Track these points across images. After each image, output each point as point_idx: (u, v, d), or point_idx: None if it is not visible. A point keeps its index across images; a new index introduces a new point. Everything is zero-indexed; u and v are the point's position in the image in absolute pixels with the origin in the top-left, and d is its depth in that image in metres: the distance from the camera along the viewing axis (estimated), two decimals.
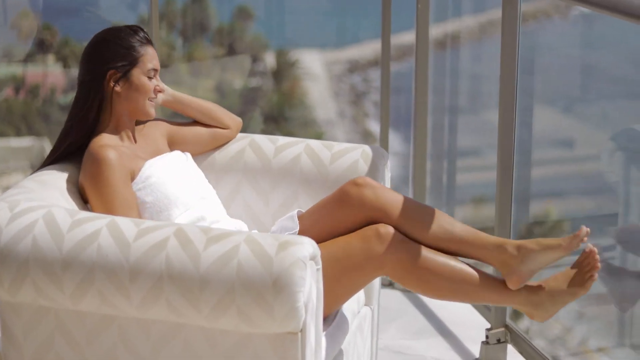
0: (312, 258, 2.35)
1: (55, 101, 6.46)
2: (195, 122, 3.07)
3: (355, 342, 2.88)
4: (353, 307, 2.88)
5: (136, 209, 2.72)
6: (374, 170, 2.99)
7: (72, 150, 2.82)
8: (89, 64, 2.80)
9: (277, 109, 7.83)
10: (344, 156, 3.02)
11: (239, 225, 2.92)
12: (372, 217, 2.71)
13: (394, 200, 2.72)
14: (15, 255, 2.44)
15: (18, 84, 6.41)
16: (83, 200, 2.75)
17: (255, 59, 8.01)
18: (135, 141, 2.87)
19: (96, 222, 2.44)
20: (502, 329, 3.42)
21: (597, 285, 2.75)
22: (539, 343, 3.39)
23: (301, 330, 2.35)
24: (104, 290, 2.39)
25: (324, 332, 2.62)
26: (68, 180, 2.75)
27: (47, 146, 6.13)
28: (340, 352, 2.75)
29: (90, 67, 2.80)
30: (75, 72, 3.62)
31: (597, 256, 2.68)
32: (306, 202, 3.01)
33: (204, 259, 2.33)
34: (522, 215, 4.31)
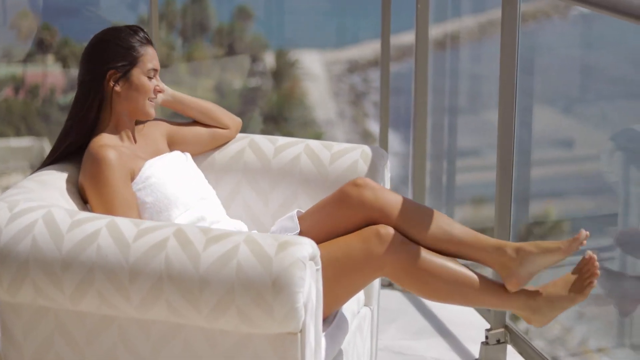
0: (312, 258, 2.35)
1: (54, 101, 6.46)
2: (195, 122, 3.07)
3: (355, 343, 2.88)
4: (353, 307, 2.88)
5: (136, 209, 2.72)
6: (374, 170, 2.99)
7: (72, 150, 2.82)
8: (89, 63, 2.80)
9: (277, 109, 7.84)
10: (344, 156, 3.02)
11: (239, 225, 2.92)
12: (372, 218, 2.71)
13: (394, 201, 2.72)
14: (15, 255, 2.44)
15: (18, 84, 6.42)
16: (83, 200, 2.75)
17: (254, 59, 8.01)
18: (135, 141, 2.87)
19: (96, 223, 2.44)
20: (502, 329, 3.42)
21: (597, 288, 2.75)
22: (538, 343, 3.39)
23: (301, 331, 2.35)
24: (104, 291, 2.39)
25: (324, 333, 2.62)
26: (68, 181, 2.75)
27: (47, 146, 6.13)
28: (340, 353, 2.75)
29: (90, 67, 2.80)
30: (74, 72, 3.62)
31: (597, 263, 2.68)
32: (306, 203, 3.01)
33: (203, 260, 2.33)
34: (522, 215, 4.30)
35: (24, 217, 2.47)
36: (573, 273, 2.70)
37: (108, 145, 2.74)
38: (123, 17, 6.91)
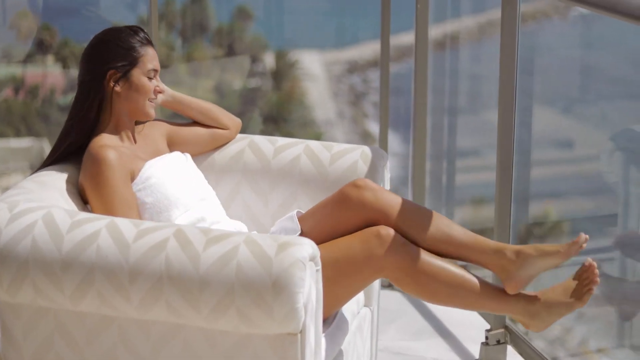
0: (312, 259, 2.35)
1: (54, 102, 6.45)
2: (195, 123, 3.07)
3: (355, 343, 2.88)
4: (353, 307, 2.88)
5: (136, 210, 2.72)
6: (374, 171, 2.99)
7: (72, 150, 2.82)
8: (89, 64, 2.80)
9: (277, 110, 7.83)
10: (344, 157, 3.02)
11: (239, 226, 2.92)
12: (372, 219, 2.71)
13: (394, 203, 2.72)
14: (15, 256, 2.44)
15: (17, 84, 6.41)
16: (83, 200, 2.75)
17: (254, 60, 8.01)
18: (135, 141, 2.87)
19: (95, 223, 2.44)
20: (502, 329, 3.42)
21: (598, 290, 2.75)
22: (538, 344, 3.39)
23: (301, 331, 2.35)
24: (104, 291, 2.39)
25: (324, 333, 2.62)
26: (68, 181, 2.75)
27: (47, 147, 6.13)
28: (340, 353, 2.75)
29: (91, 67, 2.80)
30: (74, 72, 3.62)
31: (597, 271, 2.68)
32: (305, 203, 3.01)
33: (203, 260, 2.33)
34: (522, 215, 4.30)
35: (23, 217, 2.47)
36: (573, 279, 2.70)
37: (108, 145, 2.74)
38: (123, 17, 6.91)
